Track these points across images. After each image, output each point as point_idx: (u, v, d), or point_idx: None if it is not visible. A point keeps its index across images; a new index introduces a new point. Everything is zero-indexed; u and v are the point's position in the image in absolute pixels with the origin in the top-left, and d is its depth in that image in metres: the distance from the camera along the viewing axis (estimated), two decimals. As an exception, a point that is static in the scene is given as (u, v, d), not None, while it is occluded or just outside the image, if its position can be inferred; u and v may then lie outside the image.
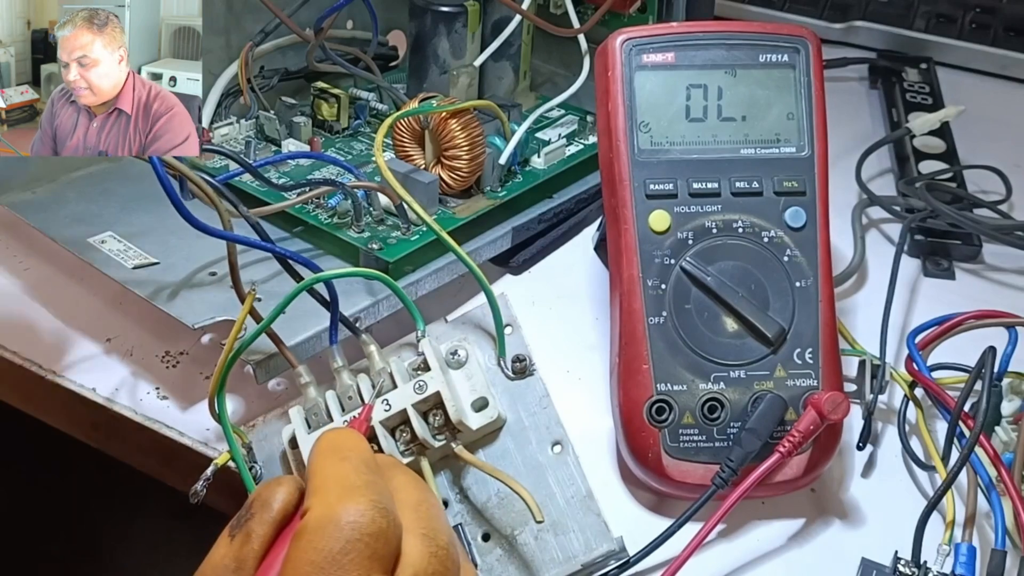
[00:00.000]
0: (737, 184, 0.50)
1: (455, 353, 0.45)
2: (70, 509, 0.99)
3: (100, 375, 0.54)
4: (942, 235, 0.65)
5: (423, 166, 0.59)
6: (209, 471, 0.44)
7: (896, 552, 0.45)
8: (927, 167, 0.71)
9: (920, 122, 0.72)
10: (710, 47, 0.51)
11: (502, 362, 0.45)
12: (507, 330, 0.45)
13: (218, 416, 0.44)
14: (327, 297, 0.45)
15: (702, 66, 0.51)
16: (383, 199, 0.56)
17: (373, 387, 0.43)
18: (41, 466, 0.98)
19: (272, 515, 0.36)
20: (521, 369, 0.45)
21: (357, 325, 0.50)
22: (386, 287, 0.45)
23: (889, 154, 0.74)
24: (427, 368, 0.43)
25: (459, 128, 0.57)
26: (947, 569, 0.44)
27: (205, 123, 0.61)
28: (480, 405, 0.44)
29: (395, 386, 0.43)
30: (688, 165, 0.50)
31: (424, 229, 0.55)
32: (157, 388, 0.54)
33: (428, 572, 0.34)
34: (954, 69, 0.87)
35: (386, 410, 0.43)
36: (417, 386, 0.43)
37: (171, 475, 0.54)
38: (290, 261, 0.45)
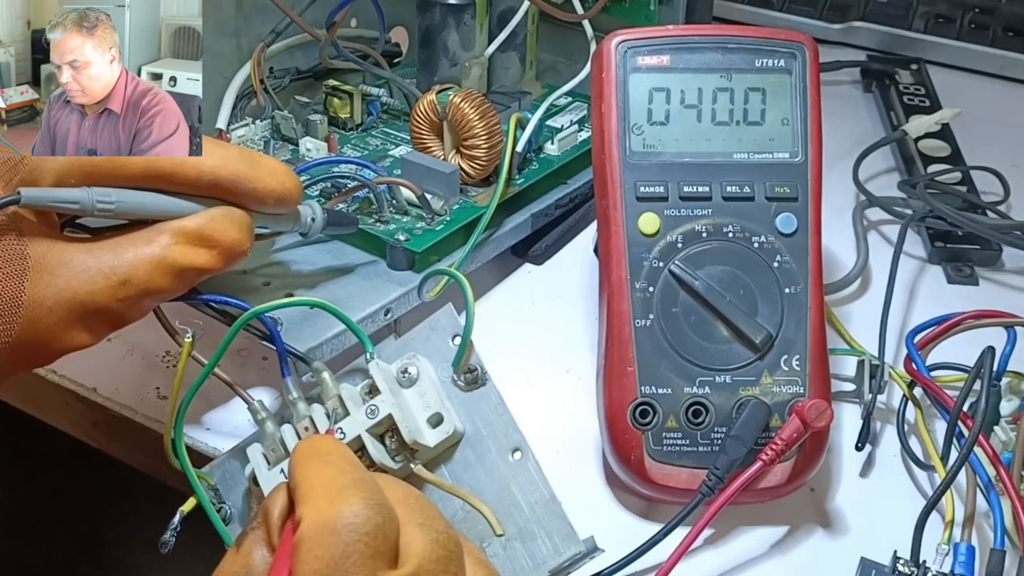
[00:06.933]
0: (728, 188, 0.50)
1: (406, 372, 0.43)
2: (70, 509, 0.99)
3: (100, 375, 0.54)
4: (960, 240, 0.65)
5: (442, 157, 0.59)
6: (176, 519, 0.44)
7: (895, 552, 0.45)
8: (933, 171, 0.71)
9: (917, 124, 0.72)
10: (706, 50, 0.51)
11: (455, 374, 0.44)
12: (455, 341, 0.44)
13: (179, 464, 0.44)
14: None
15: (697, 69, 0.51)
16: (405, 191, 0.56)
17: (328, 416, 0.43)
18: (41, 466, 0.99)
19: (276, 523, 0.36)
20: (473, 379, 0.43)
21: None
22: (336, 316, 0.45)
23: (895, 158, 0.74)
24: (379, 391, 0.42)
25: (477, 118, 0.57)
26: (946, 569, 0.44)
27: (222, 125, 0.61)
28: (436, 420, 0.43)
29: (348, 413, 0.42)
30: (679, 168, 0.50)
31: (448, 219, 0.56)
32: (157, 388, 0.54)
33: (433, 559, 0.34)
34: (953, 69, 0.87)
35: (341, 438, 0.42)
36: (369, 411, 0.42)
37: (171, 475, 0.54)
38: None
